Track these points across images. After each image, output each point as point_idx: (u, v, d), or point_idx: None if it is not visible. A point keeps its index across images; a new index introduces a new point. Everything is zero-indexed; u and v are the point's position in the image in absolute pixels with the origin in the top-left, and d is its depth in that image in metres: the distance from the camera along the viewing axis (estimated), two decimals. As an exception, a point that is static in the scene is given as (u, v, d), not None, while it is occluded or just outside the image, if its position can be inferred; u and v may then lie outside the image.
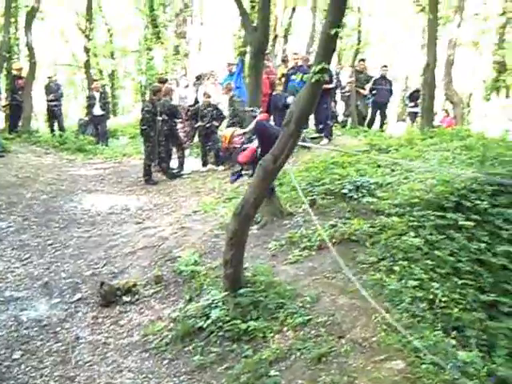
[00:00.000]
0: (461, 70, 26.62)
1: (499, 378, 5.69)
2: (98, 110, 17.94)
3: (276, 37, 24.93)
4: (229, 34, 28.86)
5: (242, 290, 6.42)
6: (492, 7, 25.12)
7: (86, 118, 19.16)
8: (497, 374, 5.69)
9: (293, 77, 13.81)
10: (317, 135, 14.39)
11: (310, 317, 6.05)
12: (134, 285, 7.45)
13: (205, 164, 13.73)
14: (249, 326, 5.98)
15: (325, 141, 13.96)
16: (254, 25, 8.80)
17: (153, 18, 23.97)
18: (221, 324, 6.13)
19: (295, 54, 15.08)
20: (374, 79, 17.27)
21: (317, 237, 7.77)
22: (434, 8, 13.03)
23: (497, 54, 25.00)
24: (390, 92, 17.32)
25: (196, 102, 15.30)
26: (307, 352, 5.54)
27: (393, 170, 10.25)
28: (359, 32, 18.32)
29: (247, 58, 15.57)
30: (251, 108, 8.74)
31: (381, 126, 17.31)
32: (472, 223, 7.92)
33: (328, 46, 5.57)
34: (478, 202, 8.31)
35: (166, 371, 5.89)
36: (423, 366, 5.21)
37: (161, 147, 13.15)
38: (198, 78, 16.67)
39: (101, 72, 28.25)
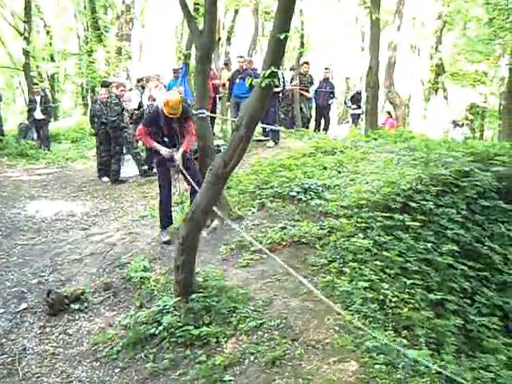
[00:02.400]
0: (401, 73, 27.22)
1: (448, 375, 5.83)
2: (39, 114, 17.51)
3: (219, 40, 24.90)
4: (171, 36, 28.70)
5: (193, 296, 6.37)
6: (429, 11, 25.76)
7: (27, 122, 18.67)
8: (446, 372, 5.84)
9: (237, 81, 13.85)
10: (263, 138, 14.45)
11: (263, 320, 6.05)
12: (83, 292, 7.29)
13: (150, 168, 13.58)
14: (201, 332, 5.93)
15: (271, 143, 14.02)
16: (200, 28, 8.75)
17: (94, 21, 23.57)
18: (173, 330, 6.06)
19: (240, 57, 15.05)
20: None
21: (267, 240, 7.79)
22: (376, 11, 13.24)
23: (435, 57, 25.66)
24: (332, 94, 17.51)
25: (140, 105, 15.12)
26: (261, 356, 5.53)
27: (339, 172, 10.37)
28: (302, 35, 18.51)
29: (192, 61, 15.52)
30: (199, 111, 8.68)
31: (324, 129, 17.48)
32: (418, 223, 8.11)
33: (277, 51, 5.58)
34: (424, 202, 8.50)
35: (118, 380, 5.78)
36: (376, 367, 5.29)
37: (106, 151, 12.96)
38: (139, 80, 16.49)
39: (40, 75, 27.58)
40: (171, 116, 8.23)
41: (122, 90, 13.42)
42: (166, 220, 8.65)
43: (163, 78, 15.77)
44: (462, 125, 20.51)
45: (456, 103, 26.67)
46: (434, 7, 25.32)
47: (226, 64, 17.38)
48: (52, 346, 6.44)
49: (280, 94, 14.68)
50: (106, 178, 13.19)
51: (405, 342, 5.93)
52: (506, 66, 19.28)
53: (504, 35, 16.97)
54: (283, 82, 14.36)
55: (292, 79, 17.07)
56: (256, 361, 5.50)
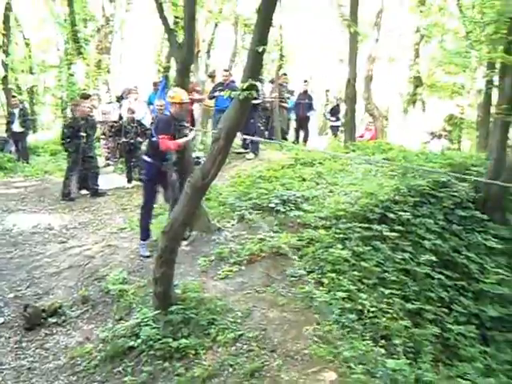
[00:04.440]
0: (379, 85, 27.44)
1: (426, 382, 5.89)
2: (17, 127, 17.35)
3: (198, 52, 24.96)
4: (151, 49, 28.69)
5: (172, 308, 6.35)
6: (407, 24, 26.05)
7: (5, 135, 18.51)
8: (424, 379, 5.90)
9: (216, 93, 13.88)
10: (242, 150, 14.47)
11: (242, 332, 6.05)
12: (60, 306, 7.23)
13: (129, 180, 13.53)
14: (180, 344, 5.91)
15: (251, 155, 14.05)
16: (180, 41, 8.79)
17: (74, 33, 23.49)
18: (151, 343, 6.02)
19: (225, 70, 15.08)
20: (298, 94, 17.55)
21: (246, 251, 7.80)
22: (354, 24, 13.38)
23: (413, 69, 25.92)
24: (310, 106, 17.60)
25: (120, 118, 15.10)
26: (240, 367, 5.53)
27: (318, 183, 10.43)
28: (281, 48, 18.61)
29: (171, 74, 15.52)
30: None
31: (304, 141, 17.55)
32: (396, 234, 8.20)
33: (255, 63, 5.63)
34: (402, 213, 8.59)
35: (96, 394, 5.75)
36: (354, 376, 5.31)
37: (85, 164, 12.87)
38: (119, 98, 16.53)
39: (19, 88, 27.40)
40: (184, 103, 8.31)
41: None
42: (145, 233, 8.64)
43: (141, 91, 15.78)
44: (440, 136, 20.70)
45: (434, 115, 26.92)
46: (412, 20, 25.60)
47: (210, 76, 17.37)
48: (28, 361, 6.38)
49: (259, 106, 14.73)
50: (84, 191, 13.11)
51: (383, 351, 5.99)
52: (482, 78, 19.53)
53: (479, 48, 17.20)
54: (262, 94, 14.41)
55: (272, 91, 17.12)
56: (235, 372, 5.49)
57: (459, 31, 21.80)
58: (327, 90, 22.02)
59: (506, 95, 9.68)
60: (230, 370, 5.54)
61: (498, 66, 12.35)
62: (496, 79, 12.99)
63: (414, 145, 15.48)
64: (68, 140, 12.58)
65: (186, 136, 8.49)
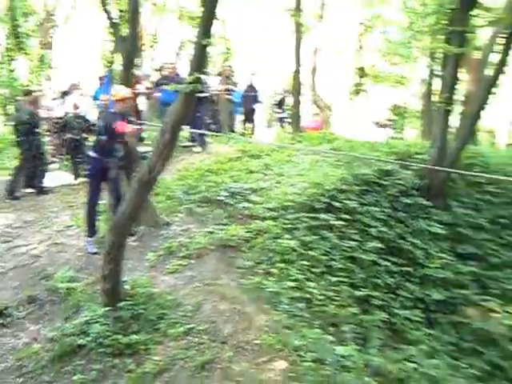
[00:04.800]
0: (324, 76, 27.69)
1: (375, 367, 6.03)
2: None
3: (143, 45, 24.70)
4: (96, 43, 28.21)
5: (121, 304, 6.31)
6: (351, 16, 26.35)
7: None
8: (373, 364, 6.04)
9: (161, 87, 13.77)
10: (190, 143, 14.41)
11: (192, 325, 6.06)
12: (6, 307, 7.07)
13: (76, 177, 13.31)
14: (130, 340, 5.88)
15: (198, 149, 14.00)
16: (124, 35, 8.70)
17: (14, 28, 22.92)
18: (101, 340, 5.96)
19: (170, 63, 14.97)
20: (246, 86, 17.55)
21: (195, 245, 7.79)
22: (299, 15, 13.46)
23: (357, 60, 26.26)
24: (256, 99, 17.64)
25: (65, 113, 14.81)
26: (191, 361, 5.54)
27: (266, 175, 10.48)
28: (226, 41, 18.59)
29: (116, 67, 15.29)
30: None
31: (251, 133, 17.59)
32: (343, 222, 8.32)
33: (201, 56, 5.64)
34: (348, 201, 8.72)
35: (45, 394, 5.66)
36: (305, 364, 5.40)
37: (36, 161, 12.59)
38: (65, 93, 16.21)
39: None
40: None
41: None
42: (92, 229, 8.53)
43: (85, 86, 15.51)
44: (385, 125, 21.07)
45: (379, 105, 27.36)
46: (356, 12, 25.91)
47: (158, 69, 17.18)
48: (-27, 365, 6.24)
49: (205, 99, 14.67)
50: (30, 189, 12.83)
51: (332, 338, 6.09)
52: (426, 68, 19.92)
53: (422, 39, 17.51)
54: (208, 87, 14.35)
55: (219, 84, 17.08)
56: (186, 366, 5.51)
57: (402, 22, 22.16)
58: (273, 82, 22.07)
59: (447, 84, 9.91)
60: (181, 363, 5.55)
61: (440, 56, 12.64)
62: (438, 69, 13.30)
63: (360, 134, 15.69)
64: (23, 137, 12.28)
65: None
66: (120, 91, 8.19)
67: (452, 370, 7.34)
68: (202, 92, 11.20)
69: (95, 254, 8.18)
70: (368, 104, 27.88)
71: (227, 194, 9.24)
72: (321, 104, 21.54)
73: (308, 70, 20.24)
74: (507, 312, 8.87)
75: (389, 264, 8.28)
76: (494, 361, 8.20)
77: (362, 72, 26.22)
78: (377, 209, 8.91)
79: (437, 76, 13.49)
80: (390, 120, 25.74)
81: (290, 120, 17.11)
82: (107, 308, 6.33)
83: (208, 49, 5.70)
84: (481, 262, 9.47)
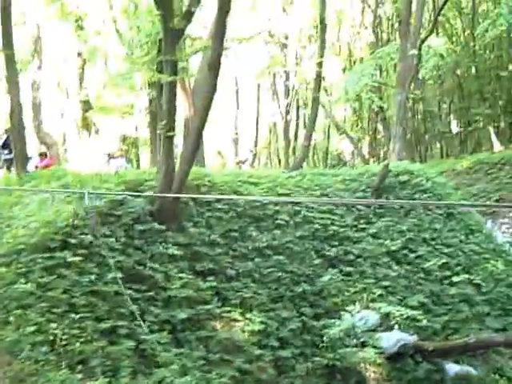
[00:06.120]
0: (50, 112, 27.02)
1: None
2: None
3: None
4: None
5: None
6: (69, 49, 26.09)
7: None
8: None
9: None
10: None
11: None
12: None
13: None
14: None
15: None
16: None
17: None
18: None
19: None
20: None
21: None
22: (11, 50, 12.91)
23: (81, 94, 26.09)
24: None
25: None
26: None
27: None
28: None
29: None
30: None
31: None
32: (80, 258, 8.22)
33: None
34: (83, 236, 8.64)
35: None
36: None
37: None
38: None
39: None
40: None
41: None
42: None
43: None
44: (117, 156, 21.19)
45: (109, 136, 27.46)
46: (74, 45, 25.70)
47: None
48: None
49: None
50: None
51: (80, 376, 6.01)
52: (147, 96, 20.44)
53: (142, 69, 18.01)
54: None
55: None
56: None
57: (121, 54, 22.55)
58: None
59: (165, 112, 10.31)
60: None
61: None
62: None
63: (93, 168, 15.60)
64: None
65: None
66: None
67: (204, 383, 7.71)
68: None
69: None
70: (99, 136, 27.84)
71: None
72: (48, 141, 20.95)
73: (29, 106, 19.54)
74: (247, 319, 9.56)
75: (131, 292, 8.36)
76: (242, 366, 8.77)
77: (87, 105, 26.08)
78: (113, 239, 8.96)
79: (157, 104, 13.98)
80: (122, 150, 26.03)
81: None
82: None
83: None
84: (218, 275, 10.01)
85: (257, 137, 40.02)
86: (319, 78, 18.64)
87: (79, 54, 25.81)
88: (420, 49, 20.36)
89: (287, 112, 36.72)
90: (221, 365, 8.57)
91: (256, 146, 40.47)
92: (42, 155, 19.06)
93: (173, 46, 9.96)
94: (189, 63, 23.07)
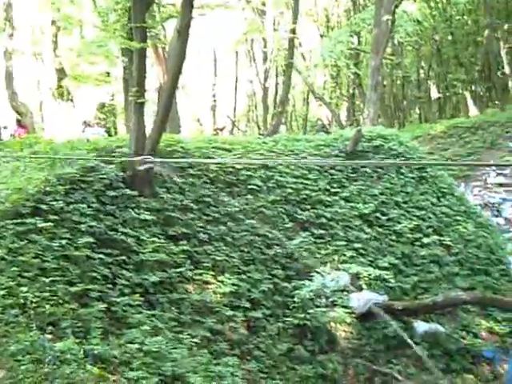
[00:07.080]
0: (26, 80, 26.76)
1: (96, 355, 6.26)
2: None
3: None
4: None
5: None
6: (43, 17, 25.74)
7: None
8: (93, 353, 6.26)
9: None
10: None
11: None
12: None
13: None
14: None
15: None
16: None
17: None
18: None
19: None
20: None
21: None
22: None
23: (55, 61, 25.81)
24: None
25: None
26: None
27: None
28: None
29: None
30: None
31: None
32: (51, 224, 8.30)
33: None
34: (54, 202, 8.71)
35: None
36: (22, 368, 5.39)
37: None
38: None
39: None
40: None
41: None
42: None
43: None
44: (93, 125, 21.18)
45: (85, 104, 27.28)
46: (47, 13, 25.35)
47: None
48: None
49: None
50: None
51: (50, 337, 6.15)
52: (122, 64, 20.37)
53: (113, 37, 17.89)
54: None
55: None
56: None
57: (95, 22, 22.33)
58: None
59: (136, 78, 10.34)
60: None
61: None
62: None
63: (69, 136, 15.58)
64: None
65: None
66: None
67: (175, 343, 7.89)
68: None
69: None
70: (75, 104, 27.64)
71: None
72: (22, 110, 20.81)
73: (1, 75, 19.38)
74: (219, 281, 9.74)
75: (103, 256, 8.47)
76: (214, 327, 8.98)
77: (62, 73, 25.84)
78: (84, 205, 9.03)
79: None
80: (99, 118, 25.94)
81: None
82: None
83: None
84: (191, 240, 10.15)
85: (235, 104, 40.03)
86: (292, 44, 18.68)
87: (53, 22, 25.46)
88: (394, 14, 20.40)
89: (265, 79, 36.72)
90: (192, 325, 8.77)
91: (235, 113, 40.48)
92: (20, 122, 19.01)
93: (142, 13, 9.96)
94: (165, 30, 23.00)
